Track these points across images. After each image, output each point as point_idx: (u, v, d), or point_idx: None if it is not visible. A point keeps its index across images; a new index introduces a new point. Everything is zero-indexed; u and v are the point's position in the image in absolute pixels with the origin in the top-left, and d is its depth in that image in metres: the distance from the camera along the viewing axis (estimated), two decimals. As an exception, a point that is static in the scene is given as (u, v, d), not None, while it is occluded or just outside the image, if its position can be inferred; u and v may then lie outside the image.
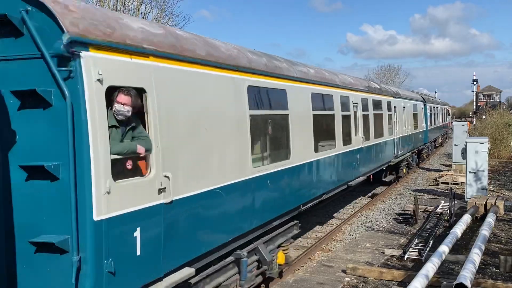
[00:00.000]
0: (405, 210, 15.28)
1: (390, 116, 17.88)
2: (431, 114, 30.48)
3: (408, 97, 22.76)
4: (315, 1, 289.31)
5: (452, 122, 37.76)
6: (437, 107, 35.37)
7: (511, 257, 9.44)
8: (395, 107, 18.80)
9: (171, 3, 40.74)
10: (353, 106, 13.14)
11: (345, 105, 12.40)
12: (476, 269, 8.26)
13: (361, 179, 13.85)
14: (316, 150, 10.02)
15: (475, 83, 65.22)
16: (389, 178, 19.59)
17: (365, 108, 14.34)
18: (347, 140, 12.39)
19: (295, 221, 9.52)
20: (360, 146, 13.55)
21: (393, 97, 18.90)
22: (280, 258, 8.45)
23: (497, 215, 13.16)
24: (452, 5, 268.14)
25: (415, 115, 23.77)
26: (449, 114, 46.39)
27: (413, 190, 19.11)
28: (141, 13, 28.57)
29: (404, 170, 21.40)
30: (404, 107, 20.61)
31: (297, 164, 8.92)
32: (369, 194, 18.44)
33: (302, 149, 9.26)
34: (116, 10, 23.49)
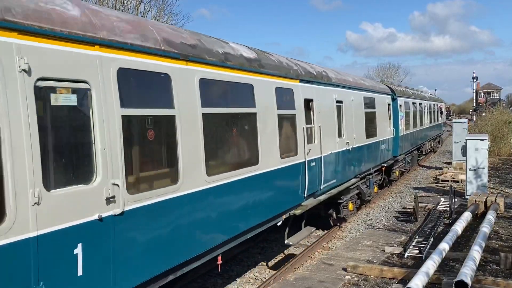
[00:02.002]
0: (405, 208, 15.28)
1: (292, 121, 9.49)
2: (409, 113, 22.22)
3: (351, 84, 13.78)
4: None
5: (452, 120, 36.64)
6: (422, 104, 27.34)
7: (511, 254, 9.44)
8: (310, 100, 10.44)
9: (170, 2, 40.68)
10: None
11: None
12: (476, 266, 8.26)
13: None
14: None
15: (474, 80, 65.20)
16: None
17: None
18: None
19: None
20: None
21: (308, 81, 10.42)
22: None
23: (498, 212, 13.16)
24: (452, 2, 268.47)
25: (371, 115, 15.36)
26: (442, 112, 38.22)
27: (413, 188, 19.11)
28: (140, 12, 28.55)
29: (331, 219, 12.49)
30: (340, 102, 12.38)
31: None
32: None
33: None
34: (116, 9, 23.43)
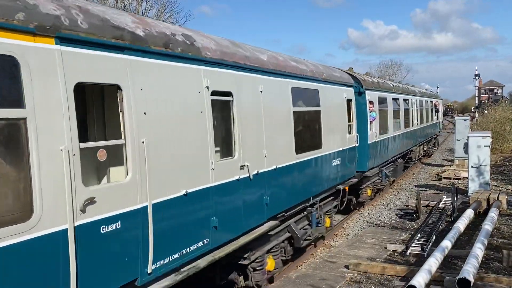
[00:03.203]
0: (407, 206, 15.26)
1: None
2: (386, 111, 16.93)
3: (256, 65, 7.96)
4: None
5: (454, 118, 35.80)
6: (410, 100, 21.71)
7: (514, 251, 9.41)
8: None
9: (171, 0, 40.64)
10: None
11: None
12: (479, 264, 8.24)
13: None
14: None
15: (477, 77, 65.09)
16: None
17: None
18: None
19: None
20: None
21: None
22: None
23: (500, 209, 13.12)
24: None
25: (310, 117, 10.36)
26: (437, 110, 31.90)
27: (415, 186, 19.07)
28: (142, 10, 28.53)
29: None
30: (226, 95, 7.13)
31: None
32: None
33: None
34: (117, 8, 23.41)
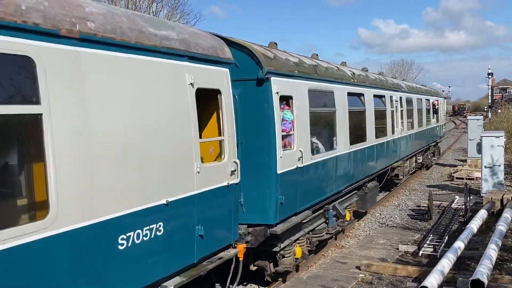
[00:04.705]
0: (419, 206, 15.14)
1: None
2: (329, 115, 10.59)
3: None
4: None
5: (466, 117, 34.75)
6: (386, 98, 15.21)
7: (528, 252, 9.28)
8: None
9: (182, 1, 40.84)
10: None
11: None
12: (493, 265, 8.14)
13: None
14: None
15: (490, 76, 64.37)
16: None
17: None
18: None
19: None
20: None
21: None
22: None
23: (514, 210, 12.95)
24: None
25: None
26: (436, 111, 24.86)
27: (428, 186, 18.91)
28: (152, 11, 28.71)
29: None
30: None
31: None
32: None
33: None
34: (128, 9, 23.64)
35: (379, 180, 14.80)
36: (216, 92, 6.52)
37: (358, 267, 9.47)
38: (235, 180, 6.78)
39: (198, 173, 5.90)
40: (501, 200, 13.46)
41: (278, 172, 7.87)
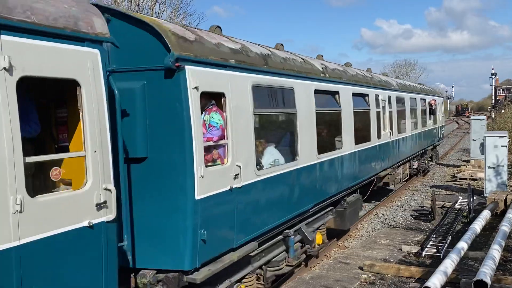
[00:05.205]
0: (422, 206, 15.10)
1: None
2: (273, 119, 8.57)
3: None
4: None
5: (470, 118, 34.61)
6: (369, 96, 13.02)
7: (532, 253, 9.25)
8: None
9: (184, 2, 40.93)
10: None
11: None
12: (496, 266, 8.12)
13: None
14: None
15: (493, 76, 64.16)
16: None
17: None
18: None
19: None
20: None
21: None
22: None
23: (518, 210, 12.91)
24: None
25: None
26: (433, 112, 22.84)
27: (431, 186, 18.86)
28: (155, 12, 28.77)
29: None
30: None
31: None
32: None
33: None
34: (131, 10, 23.68)
35: (366, 190, 13.22)
36: (71, 84, 4.27)
37: (361, 268, 9.45)
38: (107, 216, 4.46)
39: (20, 212, 3.67)
40: (505, 201, 13.41)
41: (197, 197, 5.60)
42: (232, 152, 6.30)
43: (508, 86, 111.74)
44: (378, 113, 13.63)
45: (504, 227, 10.33)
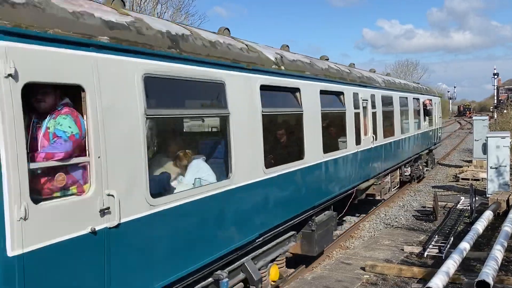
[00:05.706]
0: (424, 207, 15.08)
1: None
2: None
3: None
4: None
5: (472, 118, 34.64)
6: (345, 95, 10.76)
7: (534, 253, 9.23)
8: None
9: (186, 3, 40.94)
10: None
11: None
12: (498, 266, 8.09)
13: None
14: None
15: (496, 76, 64.09)
16: None
17: None
18: None
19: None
20: None
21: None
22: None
23: (520, 211, 12.88)
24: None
25: None
26: (428, 114, 20.61)
27: (433, 187, 18.83)
28: (157, 13, 28.80)
29: None
30: None
31: None
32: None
33: None
34: (133, 11, 23.74)
35: (343, 205, 11.37)
36: None
37: (362, 268, 9.44)
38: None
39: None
40: (507, 201, 13.38)
41: (12, 253, 3.54)
42: (97, 175, 4.24)
43: (510, 86, 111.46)
44: (357, 115, 11.52)
45: (507, 227, 10.31)
